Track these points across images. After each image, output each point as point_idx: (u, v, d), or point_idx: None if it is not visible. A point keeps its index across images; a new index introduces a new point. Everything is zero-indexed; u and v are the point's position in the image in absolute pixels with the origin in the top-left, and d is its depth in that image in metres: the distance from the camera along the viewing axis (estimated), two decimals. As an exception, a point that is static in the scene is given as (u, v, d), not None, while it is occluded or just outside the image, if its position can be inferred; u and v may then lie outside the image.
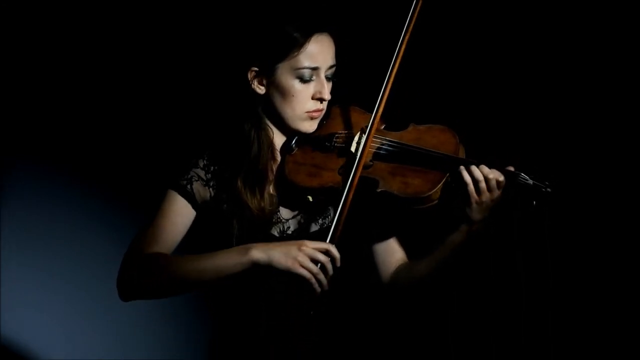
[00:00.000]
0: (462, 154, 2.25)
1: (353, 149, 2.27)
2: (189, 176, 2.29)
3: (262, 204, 2.28)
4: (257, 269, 2.12)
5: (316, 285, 2.09)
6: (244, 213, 2.27)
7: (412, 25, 2.24)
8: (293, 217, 2.34)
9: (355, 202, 2.17)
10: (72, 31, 3.41)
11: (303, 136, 2.33)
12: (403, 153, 2.24)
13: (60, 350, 3.44)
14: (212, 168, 2.31)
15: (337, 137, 2.31)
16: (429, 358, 3.31)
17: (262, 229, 2.29)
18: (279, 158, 2.35)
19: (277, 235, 2.29)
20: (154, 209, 2.28)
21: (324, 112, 2.32)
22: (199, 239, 2.31)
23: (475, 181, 2.18)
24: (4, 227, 3.42)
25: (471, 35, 3.20)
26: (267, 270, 2.11)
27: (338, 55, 2.30)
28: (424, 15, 2.26)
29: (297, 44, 2.24)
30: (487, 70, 3.20)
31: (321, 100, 2.29)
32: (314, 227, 2.33)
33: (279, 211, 2.32)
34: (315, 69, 2.26)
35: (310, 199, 2.28)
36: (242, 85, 2.30)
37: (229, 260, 2.13)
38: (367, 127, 2.25)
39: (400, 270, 2.38)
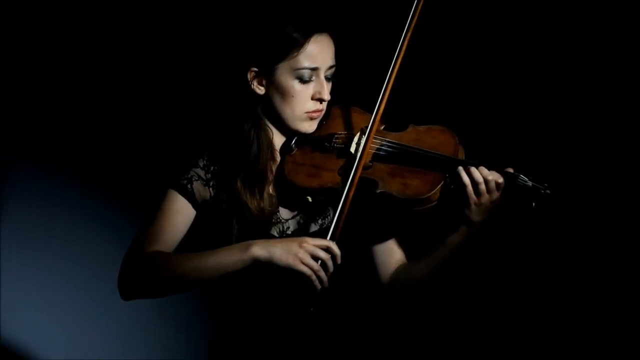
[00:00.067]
0: (461, 155, 2.25)
1: (352, 149, 2.27)
2: (189, 176, 2.29)
3: (262, 205, 2.28)
4: (258, 265, 2.12)
5: (316, 282, 2.09)
6: (244, 213, 2.27)
7: (412, 26, 2.24)
8: (292, 218, 2.34)
9: (354, 203, 2.17)
10: (72, 31, 3.41)
11: (302, 136, 2.33)
12: (402, 154, 2.24)
13: (60, 350, 3.44)
14: (212, 168, 2.31)
15: (337, 138, 2.31)
16: (429, 358, 3.30)
17: (261, 229, 2.29)
18: (278, 158, 2.35)
19: (277, 236, 2.29)
20: (154, 209, 2.28)
21: (323, 112, 2.32)
22: (198, 238, 2.31)
23: (475, 183, 2.18)
24: (4, 227, 3.42)
25: (471, 36, 3.20)
26: (268, 267, 2.11)
27: (338, 55, 2.30)
28: (424, 15, 2.26)
29: (297, 45, 2.24)
30: (487, 71, 3.20)
31: (321, 100, 2.29)
32: (314, 228, 2.33)
33: (278, 211, 2.32)
34: (314, 69, 2.26)
35: (310, 199, 2.28)
36: (242, 85, 2.30)
37: (229, 257, 2.13)
38: (366, 127, 2.25)
39: (400, 270, 2.38)
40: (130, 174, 3.47)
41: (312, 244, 2.10)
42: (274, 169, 2.34)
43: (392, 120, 2.31)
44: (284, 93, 2.27)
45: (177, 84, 3.41)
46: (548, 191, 2.16)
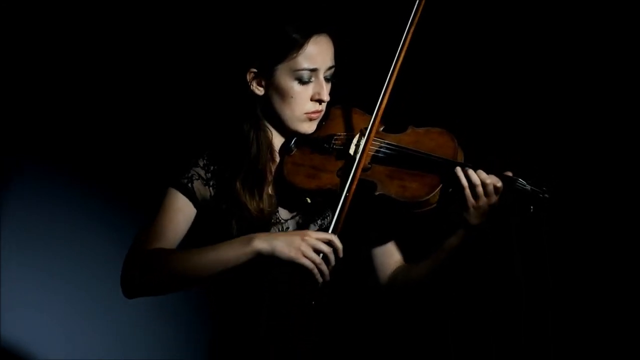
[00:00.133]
0: (460, 158, 2.24)
1: (352, 151, 2.27)
2: (190, 174, 2.29)
3: (261, 205, 2.28)
4: (260, 259, 2.11)
5: (318, 276, 2.09)
6: (243, 214, 2.27)
7: (412, 28, 2.24)
8: (292, 218, 2.33)
9: (353, 205, 2.17)
10: (72, 31, 3.41)
11: (302, 137, 2.32)
12: (401, 156, 2.24)
13: (60, 350, 3.44)
14: (212, 167, 2.31)
15: (336, 139, 2.31)
16: (428, 358, 3.31)
17: (260, 230, 2.28)
18: (278, 159, 2.35)
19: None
20: (155, 208, 2.27)
21: (322, 113, 2.32)
22: (198, 238, 2.30)
23: (472, 185, 2.17)
24: (4, 227, 3.42)
25: (471, 37, 3.19)
26: (270, 260, 2.11)
27: (337, 56, 2.30)
28: (424, 16, 2.25)
29: (296, 46, 2.24)
30: (487, 71, 3.19)
31: (320, 101, 2.28)
32: (313, 228, 2.32)
33: (277, 212, 2.32)
34: (314, 70, 2.26)
35: (309, 200, 2.28)
36: (241, 86, 2.30)
37: (231, 251, 2.13)
38: (366, 129, 2.25)
39: (398, 272, 2.39)
40: (130, 174, 3.47)
41: (315, 237, 2.10)
42: (273, 169, 2.34)
43: (391, 122, 2.31)
44: (283, 94, 2.27)
45: (177, 85, 3.41)
46: (546, 195, 2.15)
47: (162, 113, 3.44)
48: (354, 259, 2.35)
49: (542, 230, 2.20)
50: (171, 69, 3.41)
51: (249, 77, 2.29)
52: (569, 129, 3.12)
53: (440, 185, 2.19)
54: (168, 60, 3.41)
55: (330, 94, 2.30)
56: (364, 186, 2.21)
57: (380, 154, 2.25)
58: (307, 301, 2.22)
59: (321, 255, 2.10)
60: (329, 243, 2.11)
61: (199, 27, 3.35)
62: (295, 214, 2.34)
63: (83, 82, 3.45)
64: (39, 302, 3.44)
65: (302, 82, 2.26)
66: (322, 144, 2.31)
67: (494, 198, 2.18)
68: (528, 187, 2.17)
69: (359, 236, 2.33)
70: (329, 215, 2.32)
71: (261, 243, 2.11)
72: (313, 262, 2.09)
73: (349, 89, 2.39)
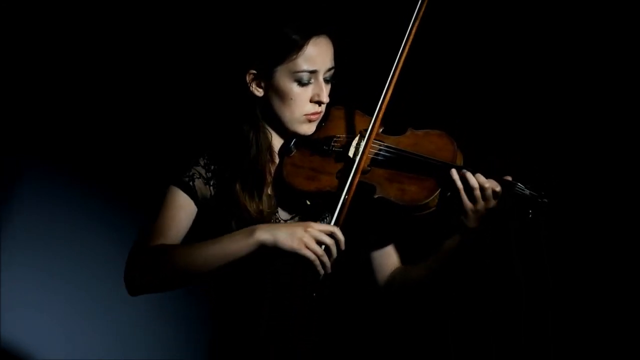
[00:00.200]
0: (459, 160, 2.24)
1: (351, 154, 2.27)
2: (191, 173, 2.29)
3: (261, 207, 2.28)
4: (263, 250, 2.11)
5: (319, 267, 2.09)
6: (243, 215, 2.27)
7: (414, 30, 2.23)
8: (291, 219, 2.33)
9: (352, 207, 2.17)
10: (72, 31, 3.41)
11: (301, 138, 2.32)
12: (400, 159, 2.23)
13: (60, 350, 3.44)
14: (212, 167, 2.31)
15: (335, 141, 2.31)
16: (428, 358, 3.31)
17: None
18: (277, 160, 2.35)
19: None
20: (156, 206, 2.27)
21: (322, 114, 2.31)
22: (198, 238, 2.30)
23: (470, 188, 2.17)
24: (4, 227, 3.42)
25: (471, 37, 3.19)
26: (273, 251, 2.10)
27: (337, 56, 2.29)
28: (425, 17, 2.25)
29: (295, 47, 2.23)
30: (487, 72, 3.19)
31: (319, 103, 2.28)
32: (312, 229, 2.32)
33: (277, 213, 2.32)
34: (313, 72, 2.26)
35: (308, 202, 2.28)
36: (241, 87, 2.30)
37: (234, 243, 2.12)
38: (365, 130, 2.25)
39: (396, 273, 2.39)
40: (130, 174, 3.47)
41: (317, 229, 2.10)
42: (272, 170, 2.34)
43: (391, 123, 2.30)
44: (282, 95, 2.27)
45: (177, 86, 3.41)
46: (545, 200, 2.15)
47: (162, 114, 3.44)
48: (353, 260, 2.35)
49: (541, 233, 2.20)
50: (171, 70, 3.41)
51: (248, 78, 2.29)
52: (568, 130, 3.12)
53: (439, 189, 2.19)
54: (168, 61, 3.41)
55: (330, 94, 2.30)
56: (363, 189, 2.21)
57: (379, 157, 2.25)
58: (309, 293, 2.21)
59: (323, 247, 2.10)
60: (331, 235, 2.10)
61: (199, 28, 3.35)
62: (294, 215, 2.33)
63: (84, 83, 3.45)
64: (39, 302, 3.44)
65: (301, 83, 2.26)
66: (322, 146, 2.31)
67: (492, 202, 2.17)
68: (527, 191, 2.16)
69: (357, 239, 2.32)
70: (327, 217, 2.32)
71: (263, 234, 2.10)
72: (315, 253, 2.08)
73: (348, 89, 2.39)
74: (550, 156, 3.11)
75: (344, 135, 2.32)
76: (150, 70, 3.42)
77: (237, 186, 2.27)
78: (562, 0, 3.10)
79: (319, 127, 2.33)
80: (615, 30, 3.07)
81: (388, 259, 2.40)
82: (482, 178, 2.17)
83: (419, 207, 2.18)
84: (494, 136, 3.14)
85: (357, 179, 2.19)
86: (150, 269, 2.16)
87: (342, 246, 2.11)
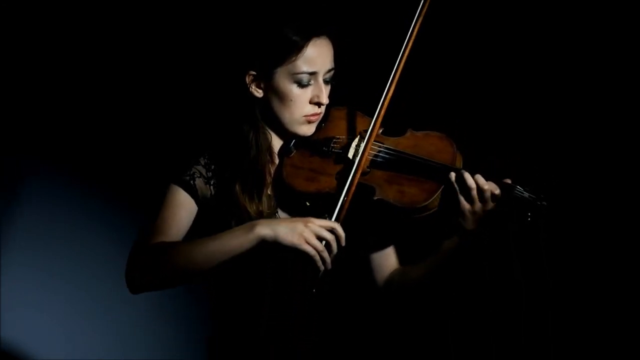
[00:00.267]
0: (459, 162, 2.24)
1: (351, 155, 2.27)
2: (192, 172, 2.29)
3: (261, 208, 2.28)
4: (263, 245, 2.10)
5: (319, 263, 2.09)
6: (243, 215, 2.27)
7: (415, 33, 2.23)
8: (291, 219, 2.33)
9: (352, 209, 2.17)
10: (74, 33, 3.41)
11: (301, 139, 2.32)
12: (400, 161, 2.23)
13: (60, 350, 3.44)
14: (212, 167, 2.31)
15: (335, 143, 2.31)
16: (428, 358, 3.31)
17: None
18: (277, 161, 2.35)
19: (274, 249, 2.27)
20: (157, 205, 2.27)
21: (322, 115, 2.31)
22: (197, 237, 2.30)
23: (468, 190, 2.17)
24: (4, 227, 3.42)
25: (471, 37, 3.19)
26: (273, 246, 2.10)
27: (337, 57, 2.29)
28: (426, 18, 2.25)
29: (295, 49, 2.23)
30: (487, 72, 3.19)
31: (319, 104, 2.28)
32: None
33: (277, 213, 2.32)
34: (313, 73, 2.26)
35: (308, 204, 2.28)
36: (240, 88, 2.30)
37: (234, 239, 2.12)
38: (365, 131, 2.25)
39: (395, 274, 2.39)
40: (130, 175, 3.47)
41: (318, 224, 2.10)
42: (272, 171, 2.34)
43: (391, 124, 2.30)
44: (282, 97, 2.27)
45: (177, 87, 3.41)
46: (544, 203, 2.14)
47: (162, 114, 3.44)
48: (353, 260, 2.35)
49: (540, 235, 2.20)
50: (171, 70, 3.41)
51: (248, 79, 2.29)
52: (568, 130, 3.12)
53: (439, 191, 2.18)
54: (168, 61, 3.41)
55: (330, 95, 2.30)
56: (363, 190, 2.21)
57: (379, 159, 2.25)
58: (308, 289, 2.21)
59: (324, 242, 2.09)
60: (331, 231, 2.10)
61: (199, 29, 3.35)
62: (294, 216, 2.33)
63: (85, 85, 3.45)
64: (39, 302, 3.44)
65: (301, 85, 2.26)
66: (321, 147, 2.30)
67: (491, 204, 2.17)
68: (526, 194, 2.15)
69: (357, 240, 2.32)
70: (327, 219, 2.31)
71: (264, 229, 2.10)
72: (315, 248, 2.08)
73: (348, 89, 2.39)
74: (550, 156, 3.10)
75: (343, 137, 2.31)
76: (151, 70, 3.42)
77: (237, 187, 2.27)
78: (561, 0, 3.10)
79: (318, 128, 2.33)
80: (615, 31, 3.07)
81: (387, 260, 2.40)
82: (481, 180, 2.17)
83: (418, 210, 2.18)
84: (494, 136, 3.14)
85: (356, 181, 2.19)
86: (151, 266, 2.16)
87: (343, 242, 2.11)
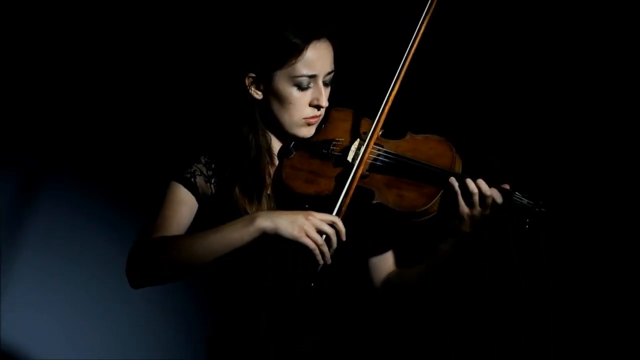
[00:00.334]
0: (458, 166, 2.24)
1: (350, 158, 2.27)
2: (192, 170, 2.29)
3: (260, 209, 2.27)
4: (264, 237, 2.10)
5: (319, 257, 2.08)
6: (242, 215, 2.26)
7: (419, 37, 2.23)
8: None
9: (351, 212, 2.17)
10: (78, 39, 3.41)
11: (301, 140, 2.32)
12: (399, 165, 2.23)
13: (60, 350, 3.44)
14: (212, 165, 2.31)
15: (335, 145, 2.30)
16: (428, 358, 3.31)
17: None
18: (277, 162, 2.35)
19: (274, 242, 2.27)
20: (157, 203, 2.27)
21: (321, 117, 2.31)
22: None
23: (469, 195, 2.17)
24: (4, 227, 3.42)
25: (472, 38, 3.19)
26: (274, 239, 2.10)
27: (337, 58, 2.29)
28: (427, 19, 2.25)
29: (295, 52, 2.23)
30: (487, 72, 3.19)
31: (319, 107, 2.28)
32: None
33: (276, 213, 2.32)
34: (313, 76, 2.25)
35: (307, 206, 2.28)
36: (240, 90, 2.30)
37: (235, 231, 2.11)
38: (365, 134, 2.25)
39: (392, 275, 2.39)
40: (130, 175, 3.47)
41: (319, 218, 2.09)
42: (272, 172, 2.33)
43: (390, 126, 2.30)
44: (281, 99, 2.26)
45: (177, 87, 3.41)
46: (543, 209, 2.14)
47: (162, 115, 3.44)
48: (351, 262, 2.35)
49: (540, 235, 2.18)
50: (172, 71, 3.41)
51: (247, 81, 2.29)
52: (568, 130, 3.12)
53: (438, 196, 2.18)
54: (169, 63, 3.41)
55: (330, 96, 2.30)
56: (362, 194, 2.21)
57: (378, 162, 2.25)
58: (307, 284, 2.18)
59: (324, 236, 2.09)
60: (332, 225, 2.10)
61: (200, 31, 3.35)
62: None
63: (86, 88, 3.45)
64: (39, 302, 3.44)
65: (300, 88, 2.26)
66: (321, 149, 2.30)
67: (490, 209, 2.17)
68: (525, 200, 2.15)
69: (356, 243, 2.31)
70: None
71: (264, 221, 2.10)
72: (315, 242, 2.08)
73: (348, 89, 2.39)
74: (550, 156, 3.10)
75: (343, 139, 2.31)
76: (151, 71, 3.42)
77: (237, 191, 2.27)
78: (561, 0, 3.10)
79: (318, 129, 2.33)
80: (615, 31, 3.07)
81: (385, 262, 2.40)
82: (484, 185, 2.17)
83: (417, 214, 2.18)
84: (494, 136, 3.14)
85: (355, 184, 2.19)
86: (152, 259, 2.16)
87: (343, 237, 2.11)
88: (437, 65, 3.18)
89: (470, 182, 2.17)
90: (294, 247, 2.09)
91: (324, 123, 2.34)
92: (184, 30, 3.38)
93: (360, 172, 2.20)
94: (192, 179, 2.28)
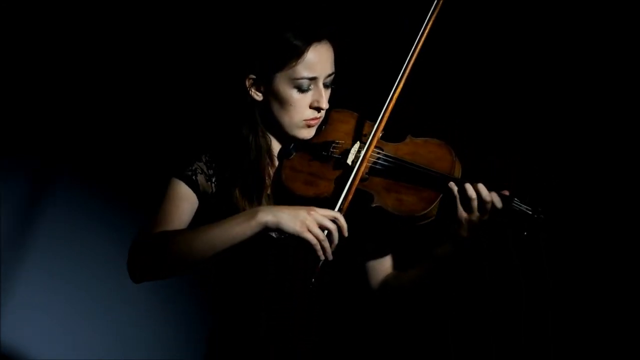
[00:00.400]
0: (457, 171, 2.24)
1: (350, 161, 2.27)
2: (193, 168, 2.29)
3: (260, 210, 2.27)
4: (266, 232, 2.10)
5: (320, 252, 2.09)
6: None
7: (422, 40, 2.23)
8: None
9: (350, 214, 2.16)
10: (80, 40, 3.41)
11: (301, 142, 2.32)
12: (399, 169, 2.23)
13: (61, 350, 3.44)
14: (213, 165, 2.31)
15: (335, 147, 2.30)
16: (428, 358, 3.31)
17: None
18: (277, 163, 2.35)
19: (275, 237, 2.27)
20: (158, 201, 2.27)
21: (321, 119, 2.31)
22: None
23: (468, 200, 2.17)
24: (4, 227, 3.42)
25: (472, 38, 3.19)
26: (276, 231, 2.10)
27: (337, 59, 2.29)
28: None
29: (296, 54, 2.23)
30: (487, 72, 3.19)
31: (319, 109, 2.28)
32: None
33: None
34: (313, 78, 2.25)
35: None
36: (240, 91, 2.30)
37: (237, 226, 2.11)
38: (365, 136, 2.25)
39: (390, 277, 2.40)
40: (130, 176, 3.47)
41: (321, 214, 2.10)
42: (272, 173, 2.34)
43: (391, 128, 2.29)
44: (282, 101, 2.26)
45: (177, 88, 3.41)
46: (542, 216, 2.13)
47: (162, 116, 3.44)
48: (350, 264, 2.35)
49: (540, 236, 2.19)
50: (172, 73, 3.41)
51: (247, 83, 2.29)
52: (568, 130, 3.12)
53: (437, 201, 2.18)
54: (170, 64, 3.41)
55: (330, 97, 2.30)
56: (361, 197, 2.21)
57: (378, 166, 2.25)
58: (308, 280, 2.18)
59: (326, 232, 2.09)
60: (334, 220, 2.10)
61: (201, 32, 3.35)
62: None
63: (88, 89, 3.45)
64: (39, 302, 3.44)
65: (301, 90, 2.26)
66: (321, 151, 2.30)
67: (488, 215, 2.17)
68: (524, 207, 2.15)
69: (355, 246, 2.32)
70: None
71: (266, 215, 2.10)
72: (317, 237, 2.08)
73: (348, 89, 2.39)
74: (550, 157, 3.10)
75: (343, 141, 2.31)
76: (152, 72, 3.42)
77: (237, 193, 2.27)
78: (561, 0, 3.10)
79: (318, 130, 2.33)
80: (615, 31, 3.07)
81: (383, 264, 2.41)
82: (484, 190, 2.17)
83: (416, 218, 2.18)
84: (494, 136, 3.14)
85: (354, 187, 2.19)
86: (154, 253, 2.16)
87: (345, 233, 2.11)
88: (437, 65, 3.18)
89: (469, 187, 2.17)
90: (295, 242, 2.10)
91: (324, 124, 2.34)
92: (185, 32, 3.38)
93: (359, 175, 2.20)
94: (194, 177, 2.28)
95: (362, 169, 2.21)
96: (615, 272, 3.04)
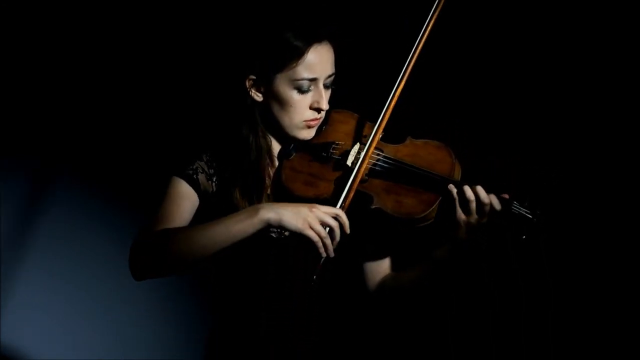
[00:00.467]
0: (457, 173, 2.24)
1: (349, 162, 2.27)
2: (194, 167, 2.30)
3: (260, 210, 2.27)
4: (267, 229, 2.10)
5: (322, 249, 2.09)
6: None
7: (422, 41, 2.23)
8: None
9: (349, 216, 2.16)
10: (82, 41, 3.42)
11: (301, 142, 2.32)
12: (399, 171, 2.23)
13: (61, 350, 3.44)
14: (214, 164, 2.32)
15: (334, 149, 2.30)
16: (428, 358, 3.31)
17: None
18: (277, 164, 2.35)
19: (275, 237, 2.27)
20: (158, 200, 2.27)
21: (321, 120, 2.31)
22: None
23: (466, 202, 2.17)
24: (3, 227, 3.42)
25: (472, 38, 3.19)
26: (278, 228, 2.10)
27: (337, 60, 2.29)
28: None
29: (296, 55, 2.23)
30: (487, 72, 3.19)
31: (319, 110, 2.28)
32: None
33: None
34: (313, 79, 2.25)
35: None
36: (240, 91, 2.30)
37: (239, 223, 2.11)
38: (365, 137, 2.25)
39: (388, 278, 2.40)
40: (130, 176, 3.47)
41: (322, 211, 2.10)
42: (272, 173, 2.34)
43: (390, 130, 2.29)
44: (282, 102, 2.27)
45: (177, 89, 3.41)
46: (541, 220, 2.13)
47: (162, 116, 3.44)
48: (350, 265, 2.35)
49: (540, 237, 2.19)
50: (172, 73, 3.41)
51: (248, 83, 2.29)
52: (568, 130, 3.12)
53: (437, 203, 2.18)
54: (170, 65, 3.41)
55: (330, 97, 2.30)
56: (361, 198, 2.21)
57: (377, 167, 2.25)
58: (309, 277, 2.18)
59: (327, 229, 2.09)
60: (336, 217, 2.10)
61: (202, 33, 3.35)
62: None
63: (88, 91, 3.45)
64: (39, 302, 3.44)
65: (301, 91, 2.26)
66: (321, 152, 2.30)
67: (487, 218, 2.17)
68: (523, 210, 2.15)
69: (354, 248, 2.32)
70: None
71: (268, 212, 2.10)
72: (318, 234, 2.08)
73: (348, 90, 2.39)
74: (550, 157, 3.10)
75: (343, 142, 2.31)
76: (153, 72, 3.43)
77: (237, 195, 2.27)
78: (561, 0, 3.10)
79: (319, 131, 2.33)
80: (615, 31, 3.07)
81: (381, 265, 2.41)
82: (483, 193, 2.17)
83: (415, 220, 2.18)
84: (494, 136, 3.14)
85: (354, 189, 2.19)
86: (155, 250, 2.16)
87: (347, 230, 2.11)
88: (437, 66, 3.18)
89: (468, 190, 2.17)
90: (296, 241, 2.10)
91: (324, 125, 2.34)
92: (185, 32, 3.38)
93: (359, 177, 2.20)
94: (194, 176, 2.28)
95: (362, 170, 2.21)
96: (614, 274, 3.04)
